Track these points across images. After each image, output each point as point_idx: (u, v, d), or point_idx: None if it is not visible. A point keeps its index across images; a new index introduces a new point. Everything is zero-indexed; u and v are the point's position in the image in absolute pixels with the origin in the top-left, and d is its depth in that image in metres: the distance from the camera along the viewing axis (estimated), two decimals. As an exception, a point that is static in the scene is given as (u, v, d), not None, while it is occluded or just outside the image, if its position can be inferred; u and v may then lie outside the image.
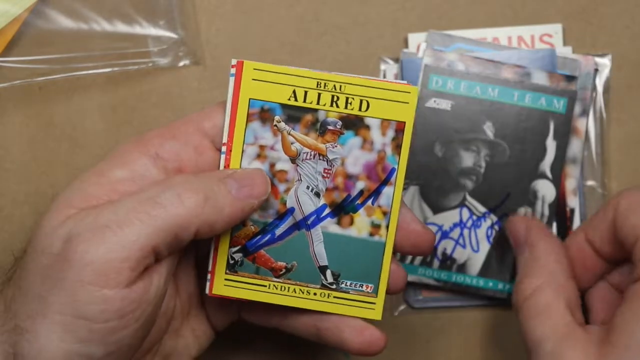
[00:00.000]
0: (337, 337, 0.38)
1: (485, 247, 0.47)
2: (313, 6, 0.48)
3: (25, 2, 0.46)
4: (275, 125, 0.36)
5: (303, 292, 0.38)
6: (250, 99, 0.36)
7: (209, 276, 0.38)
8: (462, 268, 0.47)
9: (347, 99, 0.36)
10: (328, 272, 0.38)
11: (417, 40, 0.48)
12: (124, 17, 0.47)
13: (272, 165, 0.37)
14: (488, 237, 0.47)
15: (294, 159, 0.37)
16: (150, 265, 0.33)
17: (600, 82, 0.48)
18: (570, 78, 0.47)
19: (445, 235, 0.47)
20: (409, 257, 0.47)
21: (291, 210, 0.37)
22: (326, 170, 0.37)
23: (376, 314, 0.38)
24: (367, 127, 0.37)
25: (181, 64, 0.48)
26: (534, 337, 0.36)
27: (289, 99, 0.36)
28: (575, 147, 0.47)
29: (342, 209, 0.37)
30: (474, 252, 0.47)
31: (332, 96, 0.36)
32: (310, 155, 0.37)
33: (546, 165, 0.47)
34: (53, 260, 0.32)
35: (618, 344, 0.33)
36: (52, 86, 0.48)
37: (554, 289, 0.37)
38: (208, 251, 0.38)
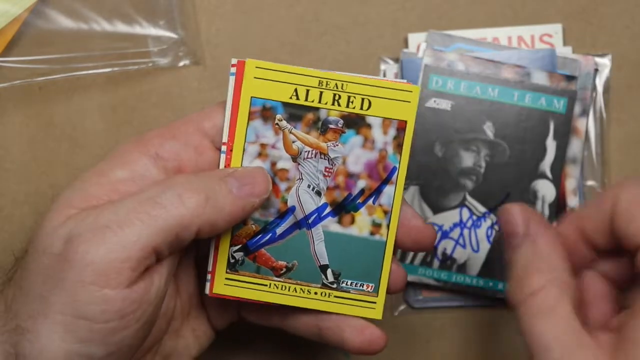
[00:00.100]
0: (337, 337, 0.38)
1: (485, 247, 0.47)
2: (313, 6, 0.48)
3: (25, 2, 0.46)
4: (277, 124, 0.36)
5: (304, 292, 0.38)
6: (252, 97, 0.36)
7: (208, 276, 0.38)
8: (462, 268, 0.47)
9: (348, 97, 0.36)
10: (329, 272, 0.38)
11: (417, 40, 0.48)
12: (124, 17, 0.47)
13: (273, 164, 0.37)
14: (488, 237, 0.47)
15: (295, 158, 0.37)
16: (151, 266, 0.33)
17: (600, 82, 0.48)
18: (570, 78, 0.47)
19: (445, 235, 0.47)
20: (409, 257, 0.47)
21: (292, 209, 0.37)
22: (327, 169, 0.37)
23: (377, 313, 0.38)
24: (369, 126, 0.37)
25: (181, 64, 0.48)
26: (539, 342, 0.35)
27: (291, 98, 0.36)
28: (575, 147, 0.47)
29: (343, 208, 0.37)
30: (474, 252, 0.47)
31: (334, 95, 0.36)
32: (312, 153, 0.37)
33: (546, 165, 0.47)
34: (54, 261, 0.32)
35: (634, 357, 0.33)
36: (52, 86, 0.48)
37: (559, 287, 0.35)
38: (208, 251, 0.38)
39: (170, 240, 0.33)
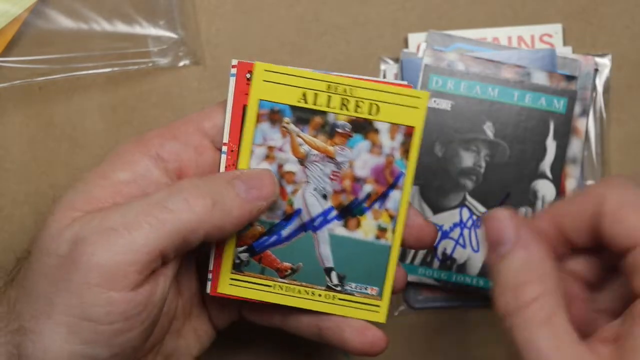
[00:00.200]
0: (338, 337, 0.38)
1: (485, 247, 0.47)
2: (313, 6, 0.48)
3: (25, 2, 0.46)
4: (284, 127, 0.36)
5: (308, 293, 0.38)
6: (260, 100, 0.36)
7: (209, 275, 0.38)
8: (462, 268, 0.47)
9: (356, 102, 0.36)
10: (333, 274, 0.38)
11: (417, 40, 0.48)
12: (124, 17, 0.47)
13: (280, 166, 0.37)
14: (488, 237, 0.47)
15: (302, 161, 0.37)
16: (157, 269, 0.33)
17: (600, 82, 0.48)
18: (570, 78, 0.47)
19: (445, 235, 0.47)
20: (409, 257, 0.47)
21: (298, 212, 0.37)
22: (334, 173, 0.37)
23: (380, 316, 0.38)
24: (376, 131, 0.37)
25: (181, 64, 0.48)
26: (538, 354, 0.33)
27: (299, 101, 0.36)
28: (575, 147, 0.47)
29: (349, 212, 0.38)
30: (474, 252, 0.47)
31: (342, 99, 0.36)
32: (319, 157, 0.37)
33: (546, 165, 0.47)
34: (59, 262, 0.32)
35: None
36: (52, 86, 0.48)
37: (555, 298, 0.34)
38: (209, 251, 0.38)
39: (177, 245, 0.33)
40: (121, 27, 0.47)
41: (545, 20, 0.48)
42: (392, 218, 0.37)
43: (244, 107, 0.36)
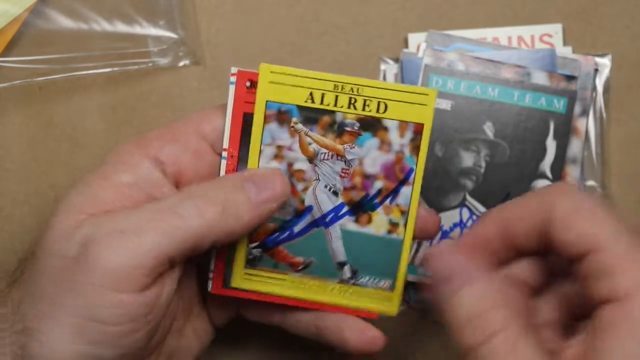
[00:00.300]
0: (337, 336, 0.39)
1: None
2: (313, 6, 0.48)
3: (25, 2, 0.46)
4: (293, 127, 0.37)
5: (321, 287, 0.38)
6: (267, 101, 0.36)
7: (211, 275, 0.38)
8: (462, 268, 0.47)
9: (364, 101, 0.36)
10: (346, 268, 0.38)
11: (417, 40, 0.48)
12: (124, 17, 0.47)
13: (289, 165, 0.37)
14: (488, 237, 0.47)
15: (311, 159, 0.37)
16: (164, 272, 0.34)
17: (600, 82, 0.48)
18: (570, 78, 0.47)
19: (445, 235, 0.47)
20: (409, 257, 0.47)
21: (309, 209, 0.38)
22: (344, 170, 0.37)
23: (393, 308, 0.39)
24: (385, 129, 0.37)
25: (181, 64, 0.48)
26: None
27: (306, 101, 0.36)
28: (575, 147, 0.47)
29: (361, 208, 0.38)
30: (474, 252, 0.47)
31: (350, 98, 0.36)
32: (328, 155, 0.37)
33: (546, 165, 0.47)
34: (67, 264, 0.32)
35: None
36: (52, 86, 0.48)
37: (519, 324, 0.33)
38: (209, 251, 0.38)
39: (186, 250, 0.33)
40: (121, 27, 0.47)
41: (545, 20, 0.48)
42: (403, 213, 0.38)
43: (244, 115, 0.37)
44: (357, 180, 0.38)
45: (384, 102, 0.36)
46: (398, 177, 0.38)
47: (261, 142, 0.37)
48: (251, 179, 0.35)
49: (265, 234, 0.38)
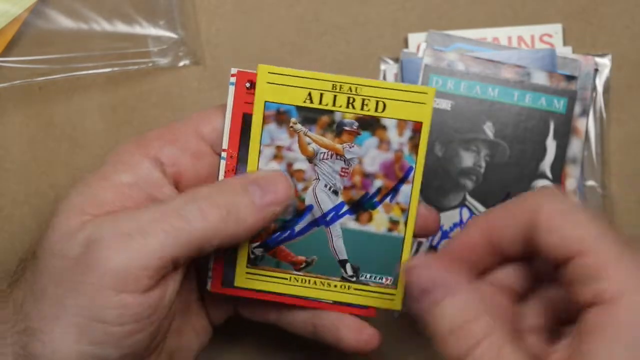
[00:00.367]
0: (333, 335, 0.39)
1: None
2: (313, 6, 0.48)
3: (25, 2, 0.46)
4: (292, 127, 0.37)
5: (324, 285, 0.38)
6: (265, 101, 0.36)
7: (210, 273, 0.38)
8: (462, 268, 0.47)
9: (363, 100, 0.37)
10: (348, 266, 0.38)
11: (417, 40, 0.48)
12: (124, 17, 0.47)
13: (289, 165, 0.37)
14: (488, 237, 0.47)
15: (311, 159, 0.37)
16: (167, 273, 0.34)
17: (600, 82, 0.48)
18: (570, 78, 0.47)
19: (445, 235, 0.47)
20: (411, 254, 0.47)
21: (310, 208, 0.38)
22: (343, 169, 0.38)
23: (396, 304, 0.39)
24: (384, 128, 0.37)
25: (181, 64, 0.48)
26: None
27: (305, 101, 0.37)
28: (575, 147, 0.47)
29: (361, 206, 0.38)
30: (474, 252, 0.47)
31: (348, 98, 0.36)
32: (328, 155, 0.37)
33: (546, 165, 0.47)
34: (70, 264, 0.32)
35: None
36: (52, 86, 0.48)
37: (500, 331, 0.33)
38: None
39: (190, 253, 0.33)
40: (121, 27, 0.47)
41: (545, 20, 0.48)
42: (404, 211, 0.38)
43: (244, 115, 0.37)
44: (357, 179, 0.38)
45: (383, 101, 0.37)
46: (397, 175, 0.38)
47: (260, 143, 0.37)
48: (255, 182, 0.35)
49: (266, 233, 0.38)
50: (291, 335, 0.41)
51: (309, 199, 0.38)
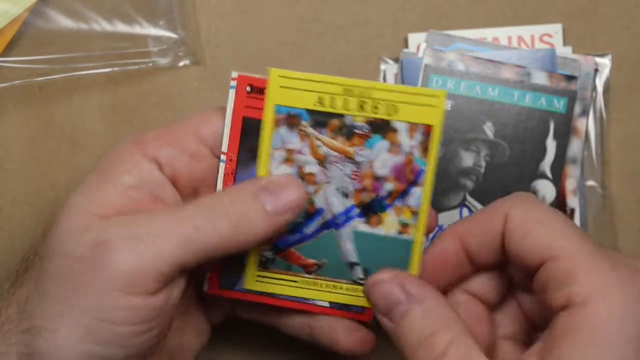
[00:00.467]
0: (329, 337, 0.39)
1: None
2: (313, 6, 0.48)
3: (25, 2, 0.46)
4: (302, 130, 0.37)
5: (335, 287, 0.38)
6: (276, 105, 0.36)
7: (207, 275, 0.38)
8: (462, 268, 0.47)
9: (374, 103, 0.36)
10: (358, 268, 0.38)
11: (417, 40, 0.48)
12: (124, 17, 0.47)
13: (300, 168, 0.37)
14: (488, 237, 0.47)
15: (322, 162, 0.37)
16: (175, 277, 0.34)
17: (600, 82, 0.48)
18: (570, 78, 0.47)
19: (445, 235, 0.47)
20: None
21: (320, 211, 0.38)
22: (354, 172, 0.37)
23: None
24: (395, 131, 0.37)
25: (181, 64, 0.48)
26: None
27: (315, 105, 0.36)
28: (575, 147, 0.47)
29: (371, 209, 0.38)
30: (474, 252, 0.47)
31: (359, 101, 0.36)
32: (338, 158, 0.37)
33: (546, 165, 0.47)
34: (78, 264, 0.33)
35: None
36: (52, 86, 0.48)
37: (466, 339, 0.33)
38: None
39: (199, 260, 0.34)
40: (121, 27, 0.47)
41: (545, 20, 0.48)
42: (414, 214, 0.38)
43: (244, 119, 0.37)
44: (368, 182, 0.38)
45: (393, 105, 0.36)
46: (408, 178, 0.37)
47: (271, 146, 0.37)
48: (267, 189, 0.35)
49: (277, 236, 0.38)
50: (290, 336, 0.41)
51: (319, 202, 0.38)
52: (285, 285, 0.38)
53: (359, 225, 0.38)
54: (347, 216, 0.38)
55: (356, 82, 0.36)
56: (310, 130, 0.37)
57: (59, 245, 0.33)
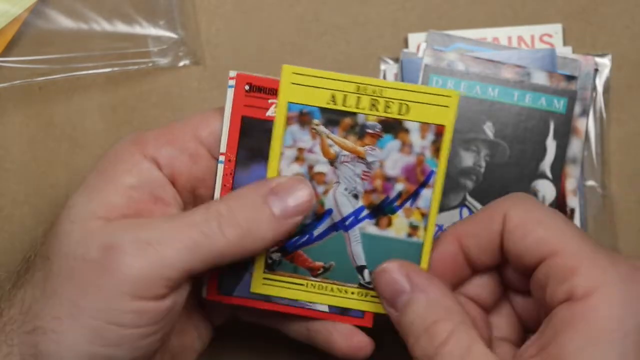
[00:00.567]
0: (326, 340, 0.39)
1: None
2: (313, 6, 0.48)
3: (25, 2, 0.46)
4: (314, 129, 0.36)
5: (341, 291, 0.38)
6: (288, 102, 0.36)
7: (205, 280, 0.38)
8: (462, 268, 0.47)
9: (386, 102, 0.36)
10: (366, 272, 0.38)
11: (417, 40, 0.48)
12: (124, 17, 0.47)
13: (310, 168, 0.37)
14: (488, 237, 0.47)
15: (332, 162, 0.37)
16: (182, 282, 0.34)
17: (600, 82, 0.48)
18: (570, 78, 0.47)
19: (445, 235, 0.47)
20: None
21: (329, 212, 0.37)
22: (365, 173, 0.37)
23: None
24: (406, 131, 0.37)
25: (181, 64, 0.48)
26: None
27: (328, 103, 0.36)
28: (575, 147, 0.47)
29: (381, 211, 0.38)
30: (474, 252, 0.47)
31: (372, 100, 0.36)
32: (349, 157, 0.37)
33: (546, 165, 0.47)
34: (87, 267, 0.33)
35: None
36: (52, 86, 0.48)
37: (467, 328, 0.33)
38: None
39: (207, 266, 0.34)
40: (121, 27, 0.47)
41: (545, 20, 0.48)
42: (424, 216, 0.37)
43: (242, 118, 0.36)
44: (378, 182, 0.37)
45: (406, 104, 0.36)
46: (419, 179, 0.37)
47: (282, 144, 0.36)
48: (275, 192, 0.35)
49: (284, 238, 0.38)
50: (291, 339, 0.41)
51: (328, 203, 0.37)
52: (291, 288, 0.38)
53: (368, 227, 0.38)
54: (356, 218, 0.37)
55: (369, 80, 0.36)
56: (322, 128, 0.36)
57: (64, 247, 0.33)
